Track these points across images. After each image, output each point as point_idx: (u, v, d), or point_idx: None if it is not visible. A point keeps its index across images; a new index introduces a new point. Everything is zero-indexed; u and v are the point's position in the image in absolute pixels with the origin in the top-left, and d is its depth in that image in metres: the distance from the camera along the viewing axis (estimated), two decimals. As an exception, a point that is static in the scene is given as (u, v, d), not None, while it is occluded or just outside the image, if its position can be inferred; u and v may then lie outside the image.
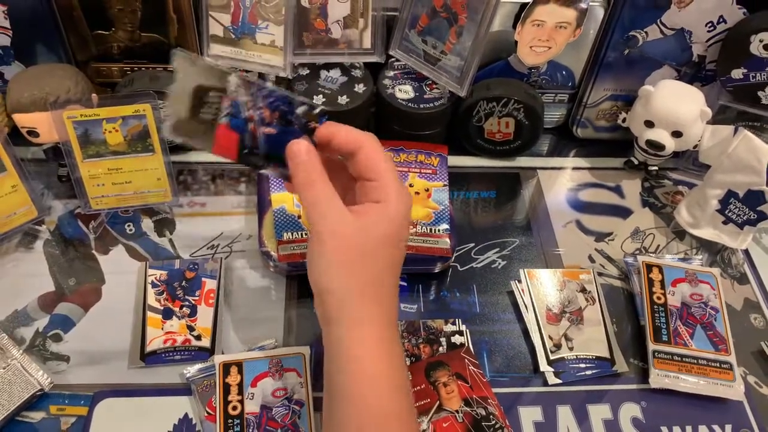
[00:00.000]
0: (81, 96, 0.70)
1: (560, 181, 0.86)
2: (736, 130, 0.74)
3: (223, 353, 0.65)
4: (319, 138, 0.52)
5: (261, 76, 0.79)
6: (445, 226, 0.72)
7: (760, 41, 0.74)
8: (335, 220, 0.49)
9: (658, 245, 0.79)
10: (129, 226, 0.75)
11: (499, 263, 0.76)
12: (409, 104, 0.79)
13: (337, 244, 0.49)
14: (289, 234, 0.70)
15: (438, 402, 0.62)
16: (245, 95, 0.52)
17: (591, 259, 0.77)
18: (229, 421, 0.60)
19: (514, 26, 0.77)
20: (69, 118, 0.68)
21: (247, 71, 0.78)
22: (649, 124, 0.79)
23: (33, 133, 0.71)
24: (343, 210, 0.50)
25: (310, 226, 0.50)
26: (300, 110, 0.52)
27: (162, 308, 0.67)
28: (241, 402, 0.61)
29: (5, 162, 0.69)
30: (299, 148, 0.51)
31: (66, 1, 0.72)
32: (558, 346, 0.68)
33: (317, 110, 0.52)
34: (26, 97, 0.69)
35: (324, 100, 0.77)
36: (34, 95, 0.69)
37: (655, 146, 0.79)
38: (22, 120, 0.70)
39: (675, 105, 0.76)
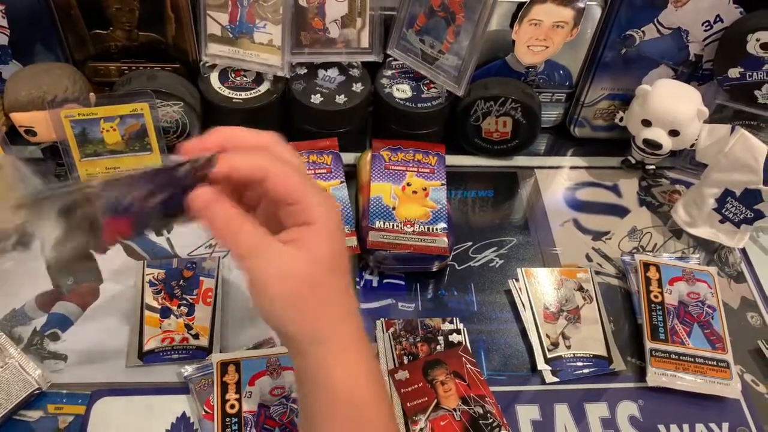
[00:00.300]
0: (79, 95, 0.70)
1: (558, 180, 0.86)
2: (733, 129, 0.74)
3: (220, 352, 0.65)
4: (215, 178, 0.44)
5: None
6: (442, 225, 0.72)
7: (757, 40, 0.74)
8: (275, 263, 0.44)
9: (656, 244, 0.80)
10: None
11: (497, 262, 0.76)
12: (407, 103, 0.79)
13: (284, 286, 0.44)
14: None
15: (435, 400, 0.62)
16: (117, 191, 0.44)
17: (588, 258, 0.78)
18: (227, 419, 0.60)
19: (512, 25, 0.77)
20: (67, 117, 0.68)
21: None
22: (647, 123, 0.79)
23: (31, 132, 0.71)
24: (280, 248, 0.44)
25: (249, 273, 0.44)
26: (182, 172, 0.44)
27: (160, 307, 0.67)
28: (239, 400, 0.61)
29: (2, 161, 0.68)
30: (203, 201, 0.44)
31: (64, 0, 0.72)
32: (555, 345, 0.68)
33: (202, 160, 0.44)
34: (24, 96, 0.69)
35: (322, 99, 0.77)
36: (32, 94, 0.69)
37: (653, 145, 0.79)
38: (20, 119, 0.70)
39: (672, 104, 0.77)
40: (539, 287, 0.72)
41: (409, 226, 0.72)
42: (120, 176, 0.44)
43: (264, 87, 0.78)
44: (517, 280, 0.73)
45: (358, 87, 0.79)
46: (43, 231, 0.45)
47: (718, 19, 0.76)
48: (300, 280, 0.44)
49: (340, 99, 0.78)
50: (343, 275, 0.47)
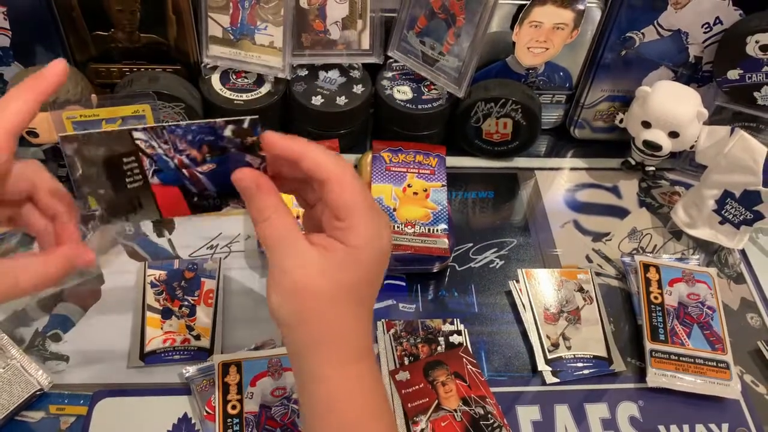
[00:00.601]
0: (80, 96, 0.71)
1: (558, 182, 0.86)
2: (732, 131, 0.74)
3: (222, 353, 0.65)
4: (274, 147, 0.45)
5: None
6: (443, 226, 0.73)
7: (756, 42, 0.74)
8: (295, 262, 0.43)
9: (656, 245, 0.80)
10: (128, 226, 0.75)
11: (497, 263, 0.77)
12: (408, 105, 0.79)
13: (295, 287, 0.44)
14: None
15: (436, 401, 0.62)
16: (161, 144, 0.45)
17: (588, 259, 0.78)
18: (229, 420, 0.60)
19: (512, 27, 0.77)
20: (68, 119, 0.69)
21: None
22: (646, 124, 0.79)
23: (32, 133, 0.71)
24: (304, 247, 0.44)
25: (269, 262, 0.45)
26: (227, 132, 0.45)
27: (161, 308, 0.68)
28: (240, 401, 0.61)
29: (5, 162, 0.69)
30: (246, 183, 0.45)
31: (65, 1, 0.72)
32: (556, 346, 0.68)
33: (246, 123, 0.45)
34: (25, 98, 0.69)
35: (323, 100, 0.78)
36: (34, 96, 0.69)
37: (652, 147, 0.80)
38: (22, 120, 0.70)
39: (672, 106, 0.77)
40: (540, 288, 0.72)
41: (409, 227, 0.72)
42: (163, 124, 0.45)
43: (265, 88, 0.79)
44: (517, 281, 0.73)
45: (358, 88, 0.80)
46: (94, 185, 0.47)
47: (717, 21, 0.76)
48: (306, 286, 0.44)
49: (341, 100, 0.78)
50: (359, 305, 0.46)
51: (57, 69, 0.45)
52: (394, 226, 0.72)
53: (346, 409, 0.45)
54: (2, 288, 0.43)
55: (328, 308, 0.44)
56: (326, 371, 0.45)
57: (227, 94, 0.77)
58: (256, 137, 0.45)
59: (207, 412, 0.61)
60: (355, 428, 0.45)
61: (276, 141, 0.45)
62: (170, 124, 0.45)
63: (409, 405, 0.62)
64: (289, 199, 0.71)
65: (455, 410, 0.62)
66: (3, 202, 0.46)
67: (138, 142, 0.45)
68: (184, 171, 0.47)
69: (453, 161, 0.84)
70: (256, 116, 0.45)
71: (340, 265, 0.44)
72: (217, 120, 0.45)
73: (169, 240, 0.75)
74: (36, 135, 0.71)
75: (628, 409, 0.65)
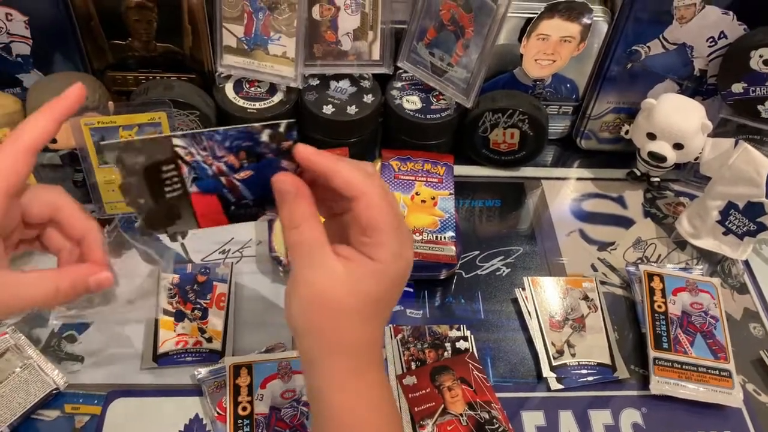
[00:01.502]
0: (98, 104, 0.72)
1: (564, 191, 0.88)
2: (736, 143, 0.75)
3: (233, 355, 0.66)
4: (306, 163, 0.46)
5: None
6: (450, 233, 0.74)
7: (760, 56, 0.76)
8: (318, 272, 0.44)
9: (660, 255, 0.81)
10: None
11: (504, 271, 0.78)
12: (417, 114, 0.81)
13: (317, 298, 0.44)
14: None
15: (443, 405, 0.63)
16: (200, 150, 0.46)
17: (593, 268, 0.79)
18: (239, 421, 0.61)
19: (520, 40, 0.79)
20: (86, 125, 0.70)
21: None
22: (652, 136, 0.81)
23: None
24: (329, 259, 0.44)
25: (291, 267, 0.46)
26: (264, 137, 0.45)
27: (174, 311, 0.69)
28: (251, 403, 0.62)
29: (24, 167, 0.70)
30: (285, 187, 0.46)
31: (84, 11, 0.74)
32: (560, 353, 0.69)
33: (282, 126, 0.45)
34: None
35: (333, 110, 0.79)
36: (53, 103, 0.71)
37: (657, 158, 0.81)
38: (41, 126, 0.72)
39: (677, 118, 0.78)
40: (545, 296, 0.73)
41: (417, 234, 0.73)
42: (202, 130, 0.45)
43: (277, 97, 0.80)
44: (523, 288, 0.74)
45: (368, 98, 0.81)
46: (134, 195, 0.47)
47: (722, 35, 0.78)
48: (329, 298, 0.44)
49: (351, 110, 0.80)
50: (375, 319, 0.47)
51: (75, 91, 0.46)
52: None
53: (357, 421, 0.46)
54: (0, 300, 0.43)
55: (346, 320, 0.45)
56: (339, 382, 0.45)
57: (240, 102, 0.79)
58: (291, 142, 0.46)
59: (218, 413, 0.62)
60: None
61: (308, 156, 0.46)
62: (209, 129, 0.45)
63: (416, 409, 0.63)
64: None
65: (461, 415, 0.63)
66: (27, 224, 0.48)
67: (177, 149, 0.45)
68: (222, 179, 0.47)
69: (461, 170, 0.85)
70: (293, 120, 0.46)
71: (363, 278, 0.45)
72: (255, 125, 0.45)
73: (182, 244, 0.76)
74: (54, 141, 0.73)
75: (631, 416, 0.66)
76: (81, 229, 0.48)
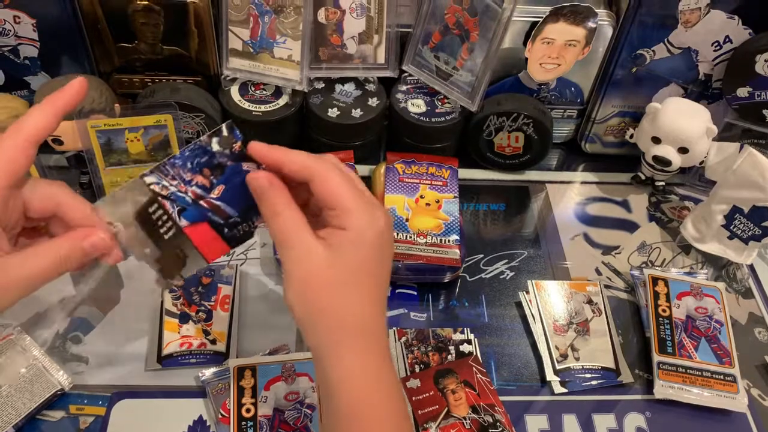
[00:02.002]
0: (105, 106, 0.73)
1: (568, 195, 0.88)
2: (741, 148, 0.75)
3: (237, 357, 0.67)
4: (258, 156, 0.48)
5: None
6: (455, 237, 0.74)
7: (765, 61, 0.76)
8: (302, 253, 0.46)
9: (664, 259, 0.81)
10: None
11: (508, 274, 0.78)
12: (421, 118, 0.81)
13: (306, 278, 0.46)
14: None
15: (446, 408, 0.63)
16: (170, 181, 0.48)
17: (598, 272, 0.79)
18: (243, 423, 0.61)
19: (525, 43, 0.79)
20: (93, 127, 0.71)
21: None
22: (656, 140, 0.80)
23: (57, 141, 0.74)
24: (312, 241, 0.46)
25: (281, 259, 0.47)
26: (215, 146, 0.47)
27: (179, 313, 0.69)
28: (255, 405, 0.62)
29: (31, 169, 0.71)
30: (259, 183, 0.47)
31: (92, 14, 0.75)
32: (564, 357, 0.69)
33: (224, 129, 0.47)
34: (52, 107, 0.71)
35: (338, 113, 0.79)
36: (60, 105, 0.71)
37: (662, 162, 0.81)
38: (48, 128, 0.72)
39: (682, 122, 0.78)
40: (549, 300, 0.73)
41: (421, 237, 0.74)
42: (163, 161, 0.47)
43: (282, 100, 0.80)
44: (527, 292, 0.74)
45: (373, 101, 0.81)
46: (140, 246, 0.49)
47: (727, 39, 0.78)
48: (316, 275, 0.45)
49: (356, 113, 0.80)
50: (370, 289, 0.47)
51: (75, 86, 0.48)
52: (406, 236, 0.73)
53: (369, 412, 0.46)
54: None
55: (339, 296, 0.46)
56: (347, 362, 0.46)
57: (246, 105, 0.80)
58: (239, 142, 0.48)
59: (222, 415, 0.62)
60: (372, 425, 0.46)
61: (260, 150, 0.48)
62: (167, 158, 0.48)
63: (420, 412, 0.63)
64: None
65: (464, 418, 0.63)
66: (29, 219, 0.48)
67: (152, 186, 0.47)
68: (202, 203, 0.49)
69: (465, 173, 0.86)
70: (230, 120, 0.48)
71: (340, 249, 0.46)
72: (201, 138, 0.47)
73: (187, 246, 0.76)
74: (61, 143, 0.74)
75: (635, 421, 0.66)
76: (83, 223, 0.49)
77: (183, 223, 0.49)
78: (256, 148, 0.48)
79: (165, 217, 0.48)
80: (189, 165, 0.48)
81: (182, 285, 0.66)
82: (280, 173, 0.47)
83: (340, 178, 0.47)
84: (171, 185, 0.48)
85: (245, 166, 0.48)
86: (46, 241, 0.48)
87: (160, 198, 0.48)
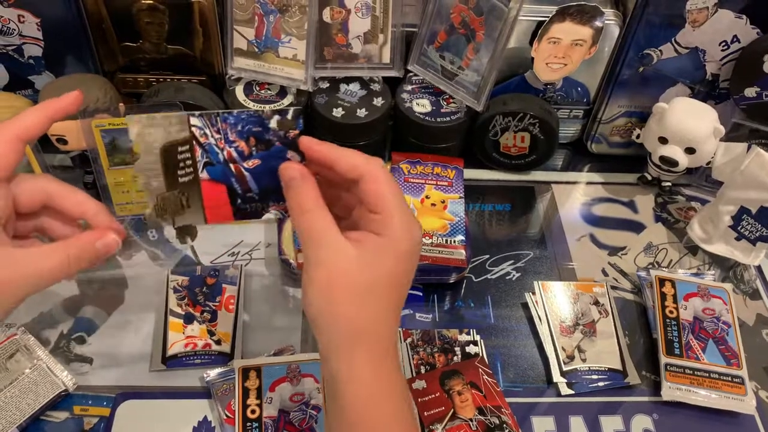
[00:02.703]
0: (109, 105, 0.73)
1: (574, 196, 0.87)
2: (749, 148, 0.75)
3: (242, 358, 0.66)
4: (310, 152, 0.47)
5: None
6: (460, 237, 0.74)
7: (774, 61, 0.75)
8: (330, 253, 0.45)
9: (671, 260, 0.80)
10: (152, 232, 0.77)
11: (514, 275, 0.77)
12: (427, 118, 0.81)
13: (331, 278, 0.44)
14: None
15: (452, 410, 0.63)
16: (213, 133, 0.47)
17: (604, 273, 0.79)
18: (248, 424, 0.61)
19: (531, 43, 0.78)
20: (97, 127, 0.70)
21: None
22: (663, 140, 0.80)
23: (62, 140, 0.73)
24: (341, 241, 0.45)
25: (304, 253, 0.46)
26: (273, 123, 0.47)
27: (183, 313, 0.69)
28: (260, 406, 0.62)
29: (35, 169, 0.71)
30: (292, 174, 0.47)
31: (96, 13, 0.75)
32: (571, 358, 0.69)
33: (290, 113, 0.47)
34: (57, 106, 0.71)
35: (343, 112, 0.79)
36: (65, 104, 0.71)
37: (669, 162, 0.80)
38: (53, 128, 0.72)
39: (688, 122, 0.78)
40: (555, 301, 0.73)
41: (427, 237, 0.73)
42: (216, 111, 0.47)
43: (287, 100, 0.80)
44: (533, 293, 0.74)
45: (378, 101, 0.81)
46: (148, 176, 0.48)
47: (735, 39, 0.77)
48: (343, 277, 0.44)
49: (361, 113, 0.80)
50: (391, 299, 0.47)
51: (72, 96, 0.50)
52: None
53: (376, 419, 0.46)
54: None
55: (361, 301, 0.45)
56: (358, 369, 0.45)
57: (250, 105, 0.79)
58: (298, 131, 0.47)
59: (227, 416, 0.62)
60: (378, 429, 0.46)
61: (312, 145, 0.47)
62: (222, 111, 0.47)
63: (425, 414, 0.63)
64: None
65: (471, 420, 0.62)
66: (22, 215, 0.49)
67: (193, 129, 0.47)
68: (231, 166, 0.48)
69: (471, 173, 0.85)
70: (300, 107, 0.48)
71: (375, 253, 0.45)
72: (265, 109, 0.47)
73: (192, 247, 0.76)
74: (65, 142, 0.73)
75: (642, 422, 0.66)
76: (77, 209, 0.49)
77: (204, 175, 0.48)
78: (308, 142, 0.48)
79: (189, 162, 0.48)
80: (239, 127, 0.47)
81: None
82: (329, 169, 0.47)
83: (389, 183, 0.46)
84: (212, 137, 0.47)
85: (290, 154, 0.48)
86: (55, 243, 0.48)
87: (194, 142, 0.47)
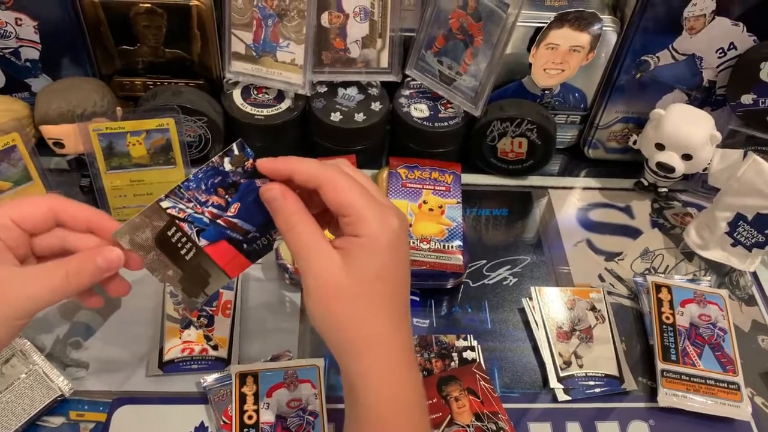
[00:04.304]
0: (107, 109, 0.73)
1: (571, 201, 0.87)
2: (745, 155, 0.75)
3: (239, 363, 0.66)
4: (267, 171, 0.48)
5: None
6: (458, 242, 0.74)
7: (770, 68, 0.76)
8: (320, 265, 0.46)
9: (668, 266, 0.81)
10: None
11: (511, 280, 0.78)
12: (424, 123, 0.81)
13: (323, 290, 0.46)
14: None
15: (449, 416, 0.63)
16: (186, 204, 0.49)
17: (601, 278, 0.79)
18: (245, 430, 0.61)
19: (529, 49, 0.79)
20: (94, 131, 0.70)
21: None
22: (660, 146, 0.80)
23: (59, 144, 0.73)
24: (327, 251, 0.46)
25: (300, 270, 0.47)
26: (227, 165, 0.49)
27: (180, 318, 0.69)
28: (257, 411, 0.62)
29: (32, 173, 0.70)
30: (272, 195, 0.48)
31: (93, 17, 0.74)
32: (568, 364, 0.69)
33: (235, 149, 0.49)
34: (54, 110, 0.71)
35: (341, 117, 0.79)
36: (62, 108, 0.71)
37: (666, 168, 0.80)
38: (50, 131, 0.72)
39: (685, 128, 0.78)
40: (552, 306, 0.73)
41: (425, 243, 0.73)
42: (178, 184, 0.49)
43: (285, 104, 0.80)
44: (530, 298, 0.74)
45: (376, 106, 0.81)
46: (164, 270, 0.50)
47: (731, 46, 0.78)
48: (333, 286, 0.45)
49: (359, 117, 0.80)
50: (389, 300, 0.47)
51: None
52: (409, 242, 0.73)
53: (389, 423, 0.46)
54: None
55: (357, 305, 0.46)
56: (367, 377, 0.46)
57: (248, 109, 0.79)
58: (250, 159, 0.49)
59: (224, 421, 0.62)
60: None
61: (267, 165, 0.48)
62: (182, 181, 0.49)
63: (423, 419, 0.63)
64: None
65: (468, 425, 0.62)
66: (40, 238, 0.50)
67: (169, 210, 0.49)
68: (220, 222, 0.50)
69: (468, 179, 0.85)
70: (239, 139, 0.49)
71: (358, 258, 0.46)
72: (213, 159, 0.48)
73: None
74: (62, 146, 0.73)
75: (638, 428, 0.66)
76: (83, 225, 0.49)
77: (202, 243, 0.50)
78: (264, 164, 0.48)
79: (184, 239, 0.50)
80: (203, 186, 0.49)
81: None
82: (291, 182, 0.48)
83: (348, 183, 0.46)
84: (187, 207, 0.49)
85: (258, 182, 0.49)
86: (53, 260, 0.48)
87: (177, 221, 0.49)
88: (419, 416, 0.49)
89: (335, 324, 0.46)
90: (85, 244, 0.50)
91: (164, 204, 0.48)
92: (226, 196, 0.49)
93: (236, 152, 0.49)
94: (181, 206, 0.49)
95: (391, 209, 0.48)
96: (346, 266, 0.45)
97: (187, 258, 0.50)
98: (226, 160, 0.49)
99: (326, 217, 0.50)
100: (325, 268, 0.46)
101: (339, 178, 0.46)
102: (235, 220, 0.50)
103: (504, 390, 0.68)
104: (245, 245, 0.52)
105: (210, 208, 0.50)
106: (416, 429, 0.48)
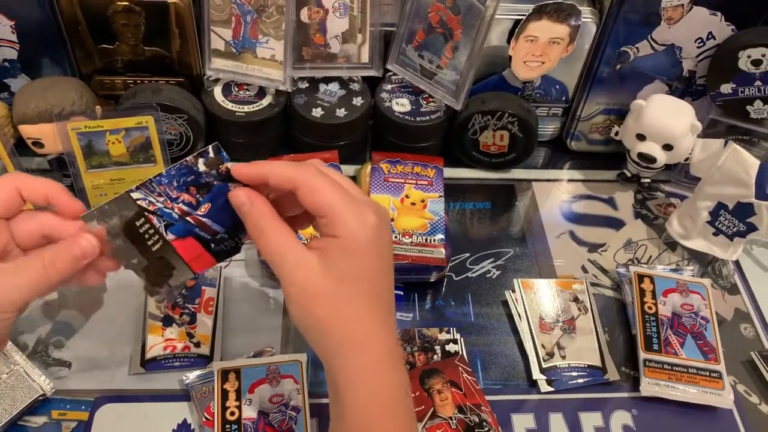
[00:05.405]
0: (85, 108, 0.72)
1: (554, 193, 0.88)
2: (725, 144, 0.75)
3: (221, 360, 0.66)
4: (241, 177, 0.49)
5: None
6: (440, 236, 0.74)
7: (748, 57, 0.76)
8: (294, 267, 0.45)
9: (650, 256, 0.81)
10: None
11: (494, 273, 0.78)
12: (406, 117, 0.81)
13: (300, 292, 0.45)
14: None
15: (432, 409, 0.63)
16: (157, 198, 0.49)
17: (584, 270, 0.79)
18: (227, 426, 0.61)
19: (509, 41, 0.79)
20: (73, 130, 0.70)
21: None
22: (641, 137, 0.80)
23: (38, 144, 0.73)
24: (301, 253, 0.46)
25: (277, 274, 0.47)
26: (201, 166, 0.49)
27: (162, 316, 0.69)
28: (239, 408, 0.62)
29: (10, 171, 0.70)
30: (240, 200, 0.48)
31: (72, 15, 0.74)
32: (551, 355, 0.69)
33: (210, 151, 0.49)
34: (32, 109, 0.71)
35: (323, 112, 0.79)
36: (40, 107, 0.71)
37: (647, 159, 0.81)
38: (28, 131, 0.72)
39: (666, 119, 0.78)
40: (535, 298, 0.73)
41: (407, 237, 0.73)
42: (150, 178, 0.49)
43: (266, 101, 0.80)
44: (513, 291, 0.74)
45: (358, 101, 0.81)
46: (130, 257, 0.50)
47: (710, 36, 0.78)
48: (311, 289, 0.45)
49: (341, 112, 0.80)
50: (371, 297, 0.47)
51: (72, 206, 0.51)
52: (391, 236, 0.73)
53: (372, 422, 0.46)
54: None
55: (337, 306, 0.45)
56: (350, 378, 0.46)
57: (229, 106, 0.79)
58: (226, 163, 0.49)
59: (206, 418, 0.62)
60: None
61: (241, 170, 0.48)
62: (154, 176, 0.49)
63: (405, 412, 0.63)
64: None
65: (450, 418, 0.62)
66: (16, 224, 0.50)
67: (139, 202, 0.49)
68: (189, 219, 0.50)
69: (450, 172, 0.85)
70: (215, 142, 0.49)
71: (336, 258, 0.45)
72: (187, 158, 0.48)
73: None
74: (41, 145, 0.73)
75: (621, 418, 0.66)
76: (41, 193, 0.49)
77: (170, 236, 0.50)
78: (238, 170, 0.48)
79: (152, 231, 0.50)
80: (175, 183, 0.49)
81: (172, 295, 0.67)
82: (266, 187, 0.48)
83: (323, 184, 0.46)
84: (157, 201, 0.49)
85: (232, 186, 0.49)
86: (29, 254, 0.49)
87: (146, 213, 0.49)
88: (405, 416, 0.48)
89: (316, 326, 0.46)
90: (63, 231, 0.50)
91: (135, 195, 0.49)
92: (198, 196, 0.50)
93: (212, 155, 0.49)
94: (151, 199, 0.49)
95: (369, 205, 0.48)
96: (324, 267, 0.45)
97: (153, 249, 0.51)
98: (201, 161, 0.49)
99: (309, 215, 0.50)
100: (300, 271, 0.45)
101: (314, 179, 0.46)
102: (204, 220, 0.50)
103: (487, 382, 0.68)
104: (213, 245, 0.52)
105: (180, 205, 0.50)
106: (401, 429, 0.48)
